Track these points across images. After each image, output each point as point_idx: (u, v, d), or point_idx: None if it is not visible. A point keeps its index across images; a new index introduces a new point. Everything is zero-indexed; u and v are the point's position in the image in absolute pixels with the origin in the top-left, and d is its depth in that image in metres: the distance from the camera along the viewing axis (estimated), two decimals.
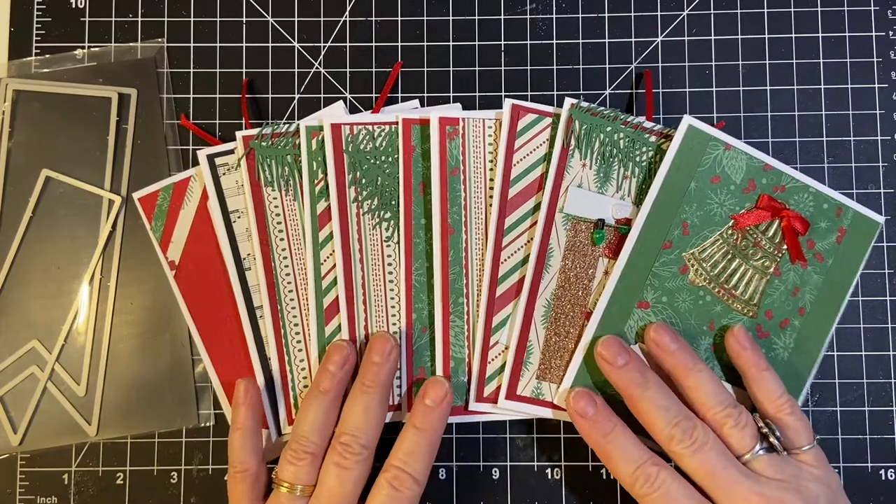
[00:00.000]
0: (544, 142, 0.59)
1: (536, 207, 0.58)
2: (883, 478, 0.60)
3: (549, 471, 0.60)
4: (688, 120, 0.57)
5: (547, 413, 0.58)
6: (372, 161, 0.59)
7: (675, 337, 0.54)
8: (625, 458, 0.52)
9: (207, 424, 0.61)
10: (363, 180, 0.59)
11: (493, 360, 0.58)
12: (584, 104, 0.58)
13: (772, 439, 0.52)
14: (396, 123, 0.59)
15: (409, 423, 0.54)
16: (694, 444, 0.50)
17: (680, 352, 0.54)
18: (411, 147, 0.59)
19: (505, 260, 0.58)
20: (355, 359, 0.57)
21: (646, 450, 0.52)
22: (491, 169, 0.59)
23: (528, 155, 0.59)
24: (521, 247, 0.58)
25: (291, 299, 0.59)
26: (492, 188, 0.59)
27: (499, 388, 0.58)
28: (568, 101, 0.58)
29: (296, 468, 0.53)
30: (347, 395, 0.55)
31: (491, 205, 0.58)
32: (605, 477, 0.60)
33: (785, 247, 0.57)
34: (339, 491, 0.52)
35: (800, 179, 0.58)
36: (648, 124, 0.59)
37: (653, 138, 0.59)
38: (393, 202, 0.59)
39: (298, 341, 0.59)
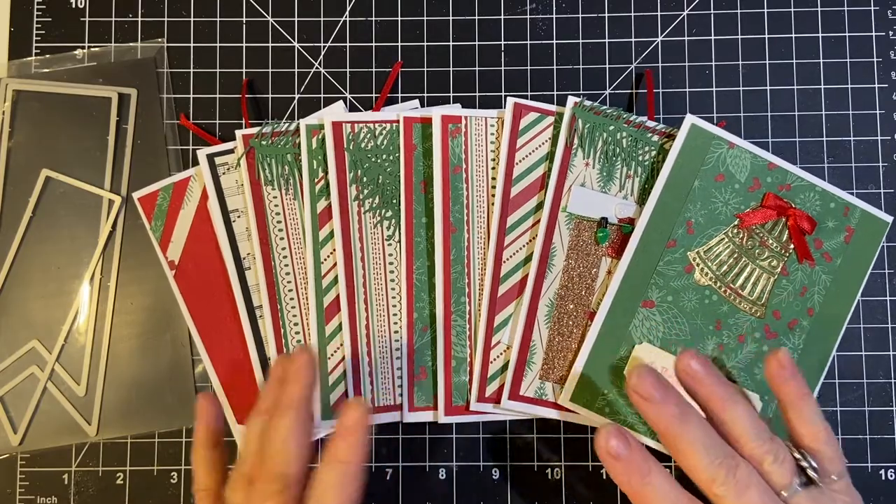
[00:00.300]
0: (546, 140, 0.59)
1: (538, 206, 0.58)
2: (883, 478, 0.60)
3: (549, 471, 0.60)
4: (691, 119, 0.57)
5: (550, 413, 0.58)
6: (373, 159, 0.59)
7: (707, 365, 0.51)
8: (665, 503, 0.48)
9: None
10: (364, 178, 0.59)
11: (494, 360, 0.58)
12: (588, 103, 0.58)
13: (809, 472, 0.49)
14: (398, 122, 0.59)
15: (326, 454, 0.49)
16: (738, 486, 0.47)
17: (715, 383, 0.50)
18: (412, 145, 0.59)
19: (507, 259, 0.58)
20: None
21: (684, 492, 0.48)
22: (493, 167, 0.59)
23: (530, 154, 0.59)
24: (523, 246, 0.58)
25: (291, 299, 0.59)
26: (494, 187, 0.59)
27: (500, 388, 0.58)
28: (571, 100, 0.58)
29: (240, 493, 0.48)
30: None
31: (493, 203, 0.58)
32: (605, 477, 0.60)
33: (792, 246, 0.58)
34: None
35: (805, 178, 0.58)
36: (651, 124, 0.59)
37: (655, 138, 0.59)
38: (394, 200, 0.59)
39: (298, 341, 0.59)
